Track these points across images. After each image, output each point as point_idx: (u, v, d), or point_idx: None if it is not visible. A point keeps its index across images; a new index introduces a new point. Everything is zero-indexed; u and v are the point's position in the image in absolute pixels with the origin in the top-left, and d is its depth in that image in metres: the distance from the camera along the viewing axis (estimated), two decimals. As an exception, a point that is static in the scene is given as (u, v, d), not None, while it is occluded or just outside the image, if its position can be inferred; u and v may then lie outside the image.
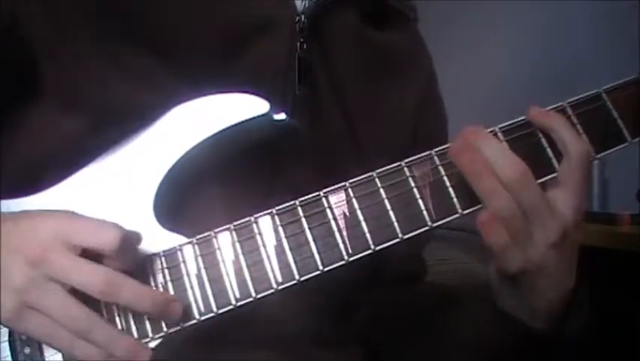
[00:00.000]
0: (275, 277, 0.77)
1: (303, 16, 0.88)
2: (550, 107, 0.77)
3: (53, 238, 0.72)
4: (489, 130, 0.77)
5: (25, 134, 0.88)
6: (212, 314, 0.77)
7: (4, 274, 0.72)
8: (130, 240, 0.75)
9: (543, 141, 0.76)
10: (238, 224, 0.78)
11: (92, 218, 0.75)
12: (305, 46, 0.88)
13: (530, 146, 0.76)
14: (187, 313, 0.77)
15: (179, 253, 0.79)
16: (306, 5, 0.89)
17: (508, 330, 0.85)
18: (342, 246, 0.76)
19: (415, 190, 0.76)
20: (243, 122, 0.82)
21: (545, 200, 0.75)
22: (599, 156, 0.76)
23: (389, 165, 0.78)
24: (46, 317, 0.72)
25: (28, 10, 0.84)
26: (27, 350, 0.77)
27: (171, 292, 0.78)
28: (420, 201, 0.76)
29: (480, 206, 0.76)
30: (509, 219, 0.74)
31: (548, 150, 0.76)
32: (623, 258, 1.98)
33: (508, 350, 0.86)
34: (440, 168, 0.76)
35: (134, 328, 0.77)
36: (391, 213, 0.76)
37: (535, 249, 0.76)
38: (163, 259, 0.79)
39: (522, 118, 0.77)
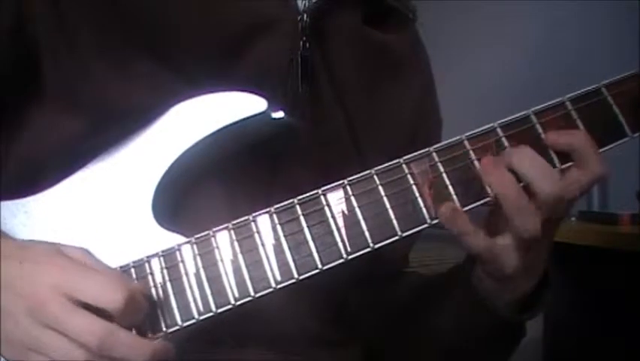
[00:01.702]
0: (274, 275, 0.76)
1: (305, 16, 0.88)
2: (551, 102, 0.76)
3: (55, 289, 0.71)
4: (488, 126, 0.76)
5: (26, 134, 0.88)
6: (211, 314, 0.77)
7: (6, 317, 0.71)
8: (138, 300, 0.74)
9: (543, 135, 0.75)
10: (236, 223, 0.78)
11: (101, 273, 0.73)
12: (307, 45, 0.88)
13: (530, 141, 0.76)
14: (186, 312, 0.77)
15: (177, 252, 0.79)
16: (307, 5, 0.89)
17: (485, 318, 0.85)
18: (340, 244, 0.76)
19: (414, 188, 0.76)
20: (241, 120, 0.82)
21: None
22: (599, 151, 0.76)
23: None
24: (47, 359, 0.71)
25: (35, 10, 0.85)
26: None
27: (170, 291, 0.78)
28: (419, 199, 0.76)
29: (479, 203, 0.76)
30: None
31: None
32: (623, 258, 1.97)
33: (483, 338, 0.88)
34: (439, 165, 0.76)
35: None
36: (390, 210, 0.76)
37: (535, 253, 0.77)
38: (162, 258, 0.79)
39: (522, 113, 0.76)
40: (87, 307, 0.71)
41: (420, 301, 0.98)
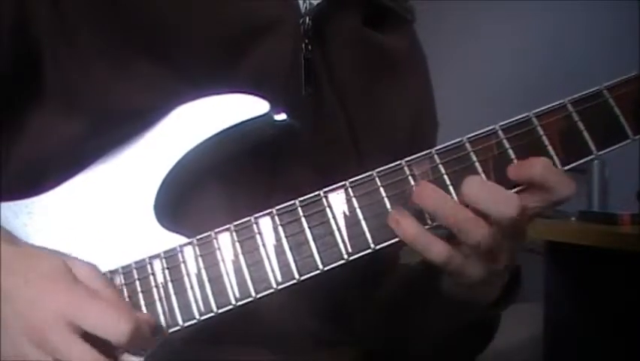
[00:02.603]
0: (275, 276, 0.76)
1: (307, 18, 0.88)
2: (552, 105, 0.76)
3: (58, 316, 0.70)
4: (489, 128, 0.76)
5: (27, 136, 0.88)
6: (212, 314, 0.77)
7: (4, 333, 0.71)
8: (143, 331, 0.72)
9: (544, 138, 0.75)
10: (238, 224, 0.78)
11: (108, 301, 0.72)
12: (309, 47, 0.88)
13: (532, 143, 0.76)
14: (187, 312, 0.77)
15: (179, 253, 0.79)
16: (308, 7, 0.89)
17: (465, 314, 0.86)
18: (341, 245, 0.76)
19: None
20: (243, 122, 0.82)
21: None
22: (601, 153, 0.75)
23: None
24: None
25: (37, 10, 0.85)
26: None
27: (171, 291, 0.78)
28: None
29: None
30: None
31: (550, 147, 0.75)
32: (623, 258, 1.97)
33: (464, 331, 0.89)
34: (440, 166, 0.76)
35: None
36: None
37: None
38: (163, 259, 0.79)
39: (523, 115, 0.76)
40: (89, 335, 0.70)
41: (409, 297, 0.98)
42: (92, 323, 0.70)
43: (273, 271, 0.76)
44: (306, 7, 0.89)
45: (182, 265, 0.79)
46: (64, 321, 0.69)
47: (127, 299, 0.79)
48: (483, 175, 0.75)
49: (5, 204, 0.85)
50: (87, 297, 0.71)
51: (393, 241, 0.76)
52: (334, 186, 0.77)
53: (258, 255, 0.77)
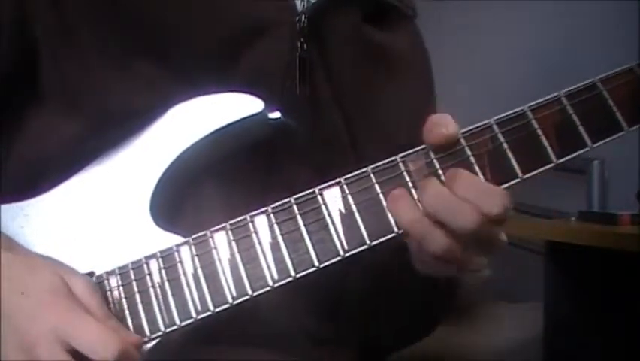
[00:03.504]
0: (271, 274, 0.76)
1: (303, 16, 0.88)
2: (546, 98, 0.76)
3: (51, 333, 0.71)
4: (484, 122, 0.76)
5: (27, 136, 0.89)
6: (209, 313, 0.77)
7: (3, 345, 0.72)
8: (130, 355, 0.73)
9: (539, 131, 0.75)
10: (234, 223, 0.78)
11: (99, 322, 0.73)
12: (305, 46, 0.88)
13: (526, 137, 0.76)
14: (184, 311, 0.77)
15: (175, 253, 0.79)
16: (305, 5, 0.89)
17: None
18: (337, 242, 0.75)
19: (410, 185, 0.76)
20: (238, 121, 0.83)
21: None
22: (595, 145, 0.75)
23: None
24: None
25: (36, 10, 0.85)
26: None
27: (168, 291, 0.78)
28: (415, 196, 0.76)
29: None
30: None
31: (544, 140, 0.75)
32: (623, 258, 1.97)
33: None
34: (435, 162, 0.76)
35: (131, 327, 0.78)
36: (386, 208, 0.76)
37: None
38: (160, 259, 0.79)
39: (518, 109, 0.76)
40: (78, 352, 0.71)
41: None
42: (83, 343, 0.71)
43: (269, 269, 0.76)
44: (303, 6, 0.89)
45: (179, 265, 0.79)
46: (56, 337, 0.71)
47: (124, 301, 0.79)
48: (478, 170, 0.75)
49: (2, 206, 0.85)
50: (80, 316, 0.73)
51: (389, 236, 0.76)
52: (329, 183, 0.77)
53: (254, 253, 0.77)
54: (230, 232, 0.78)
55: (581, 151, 0.75)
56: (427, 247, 0.72)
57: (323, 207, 0.77)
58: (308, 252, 0.76)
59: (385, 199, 0.76)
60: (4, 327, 0.72)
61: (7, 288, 0.73)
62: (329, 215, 0.76)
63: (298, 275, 0.76)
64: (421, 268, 0.80)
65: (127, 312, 0.79)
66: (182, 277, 0.78)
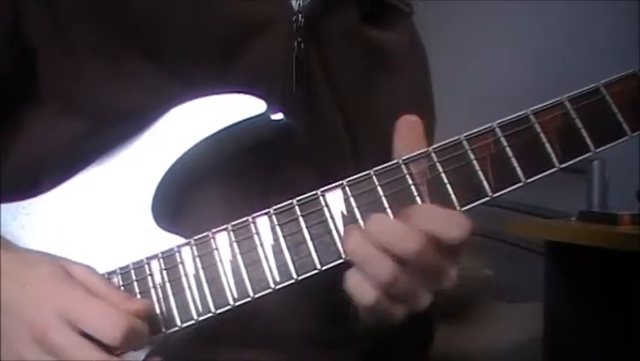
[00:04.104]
0: (273, 276, 0.76)
1: (300, 16, 0.88)
2: (549, 102, 0.76)
3: (56, 317, 0.71)
4: (487, 126, 0.76)
5: (25, 137, 0.88)
6: (210, 314, 0.77)
7: (9, 342, 0.72)
8: (137, 331, 0.73)
9: (542, 135, 0.75)
10: (236, 224, 0.78)
11: (103, 301, 0.73)
12: (302, 46, 0.88)
13: (529, 141, 0.75)
14: (185, 313, 0.77)
15: (177, 254, 0.79)
16: (301, 5, 0.89)
17: None
18: (339, 244, 0.75)
19: (413, 188, 0.76)
20: (240, 122, 0.82)
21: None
22: (599, 150, 0.75)
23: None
24: None
25: (30, 9, 0.84)
26: None
27: (169, 292, 0.78)
28: (417, 199, 0.75)
29: (477, 203, 0.75)
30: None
31: (547, 145, 0.75)
32: (623, 258, 1.97)
33: None
34: (438, 165, 0.76)
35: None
36: (389, 210, 0.75)
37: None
38: (161, 260, 0.79)
39: (520, 113, 0.76)
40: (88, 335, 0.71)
41: None
42: (88, 323, 0.71)
43: (271, 271, 0.76)
44: (299, 5, 0.89)
45: (180, 266, 0.78)
46: (65, 321, 0.71)
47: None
48: (481, 173, 0.75)
49: (3, 206, 0.85)
50: (84, 298, 0.73)
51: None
52: (331, 185, 0.77)
53: (255, 255, 0.77)
54: (232, 233, 0.78)
55: (584, 156, 0.75)
56: (370, 272, 0.72)
57: (325, 209, 0.76)
58: (310, 254, 0.76)
59: (388, 202, 0.76)
60: (10, 324, 0.72)
61: (7, 284, 0.73)
62: (331, 217, 0.76)
63: (300, 277, 0.76)
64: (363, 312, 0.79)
65: (128, 312, 0.78)
66: (184, 278, 0.78)
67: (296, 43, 0.87)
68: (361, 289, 0.73)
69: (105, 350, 0.71)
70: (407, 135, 0.78)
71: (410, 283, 0.72)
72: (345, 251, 0.74)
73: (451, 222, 0.72)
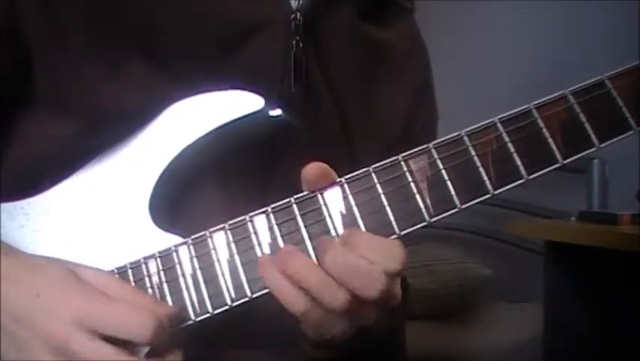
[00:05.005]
0: (271, 276, 0.75)
1: (298, 14, 0.87)
2: (552, 96, 0.75)
3: (76, 323, 0.70)
4: (488, 121, 0.75)
5: (22, 137, 0.88)
6: (207, 315, 0.76)
7: (26, 353, 0.71)
8: (165, 326, 0.72)
9: (545, 130, 0.74)
10: (233, 223, 0.77)
11: (123, 305, 0.72)
12: (301, 44, 0.87)
13: (532, 136, 0.74)
14: (182, 313, 0.77)
15: (174, 253, 0.78)
16: (300, 3, 0.88)
17: None
18: (337, 243, 0.74)
19: (413, 185, 0.75)
20: (238, 119, 0.82)
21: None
22: (603, 145, 0.74)
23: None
24: None
25: (25, 10, 0.84)
26: None
27: (167, 292, 0.78)
28: (417, 196, 0.74)
29: (478, 200, 0.74)
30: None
31: (550, 140, 0.74)
32: (623, 258, 1.97)
33: None
34: (438, 161, 0.75)
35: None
36: (388, 208, 0.74)
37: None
38: (159, 260, 0.79)
39: (523, 107, 0.75)
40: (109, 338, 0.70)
41: None
42: (111, 326, 0.70)
43: (269, 270, 0.75)
44: (298, 4, 0.88)
45: (178, 266, 0.78)
46: (84, 328, 0.70)
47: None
48: (482, 170, 0.74)
49: (1, 206, 0.84)
50: (101, 302, 0.72)
51: (390, 238, 0.74)
52: (330, 183, 0.76)
53: (253, 254, 0.76)
54: (229, 233, 0.77)
55: (588, 151, 0.74)
56: (325, 303, 0.70)
57: (324, 207, 0.76)
58: (308, 253, 0.75)
59: (387, 200, 0.75)
60: (24, 334, 0.71)
61: (19, 292, 0.72)
62: (329, 216, 0.75)
63: (299, 277, 0.75)
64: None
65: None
66: (181, 278, 0.78)
67: (294, 42, 0.87)
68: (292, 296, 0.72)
69: (128, 352, 0.71)
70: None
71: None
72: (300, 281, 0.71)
73: (388, 255, 0.71)
